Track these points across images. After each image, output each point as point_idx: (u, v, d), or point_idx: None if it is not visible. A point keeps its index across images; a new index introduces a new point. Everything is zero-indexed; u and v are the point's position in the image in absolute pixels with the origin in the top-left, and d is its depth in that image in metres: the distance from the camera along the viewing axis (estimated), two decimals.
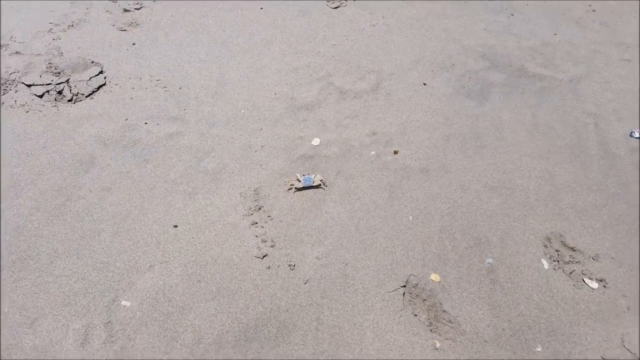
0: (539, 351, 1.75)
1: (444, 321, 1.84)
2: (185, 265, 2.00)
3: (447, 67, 3.05)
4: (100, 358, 1.72)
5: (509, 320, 1.82)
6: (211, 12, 3.56)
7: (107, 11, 3.56)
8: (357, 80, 2.95)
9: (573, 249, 2.05)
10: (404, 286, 1.95)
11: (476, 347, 1.76)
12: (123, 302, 1.90)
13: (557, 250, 2.05)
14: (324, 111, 2.74)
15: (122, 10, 3.57)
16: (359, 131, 2.61)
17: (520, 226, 2.15)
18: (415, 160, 2.46)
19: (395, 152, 2.50)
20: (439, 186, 2.32)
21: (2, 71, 3.00)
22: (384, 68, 3.04)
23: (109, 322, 1.82)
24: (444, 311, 1.86)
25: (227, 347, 1.76)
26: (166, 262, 2.01)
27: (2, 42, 3.25)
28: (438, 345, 1.77)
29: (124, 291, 1.92)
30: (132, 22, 3.46)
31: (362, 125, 2.65)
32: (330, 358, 1.72)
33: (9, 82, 2.96)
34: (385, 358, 1.72)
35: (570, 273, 1.96)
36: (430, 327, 1.82)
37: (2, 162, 2.44)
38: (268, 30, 3.37)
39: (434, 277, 1.99)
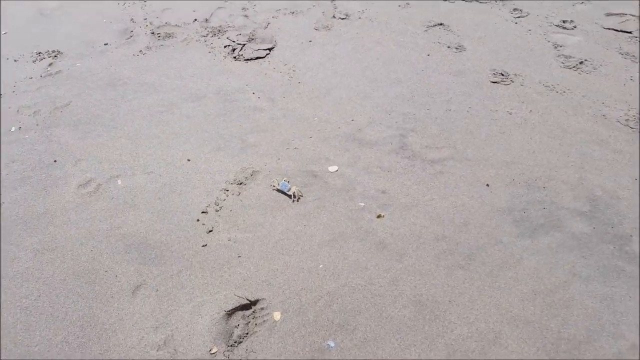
0: None
1: (242, 349, 2.04)
2: (164, 185, 2.84)
3: (533, 186, 2.73)
4: (75, 208, 2.77)
5: None
6: (387, 42, 4.18)
7: (323, 13, 4.70)
8: (427, 147, 3.04)
9: None
10: (253, 303, 2.21)
11: None
12: (119, 181, 2.91)
13: None
14: (369, 153, 3.02)
15: (332, 16, 4.63)
16: (375, 184, 2.79)
17: (400, 344, 1.99)
18: (386, 233, 2.50)
19: (379, 216, 2.59)
20: (375, 265, 2.34)
21: (225, 23, 4.55)
22: (467, 151, 2.99)
23: (101, 185, 2.85)
24: (253, 333, 2.07)
25: (122, 243, 2.50)
26: (160, 175, 2.90)
27: (247, 6, 4.86)
28: (214, 350, 2.02)
29: (127, 176, 2.91)
30: (327, 26, 4.47)
31: (384, 181, 2.81)
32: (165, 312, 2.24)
33: (223, 30, 4.47)
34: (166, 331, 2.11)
35: None
36: (232, 343, 2.06)
37: (164, 71, 3.89)
38: (410, 74, 3.74)
39: (276, 315, 2.15)
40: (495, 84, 3.55)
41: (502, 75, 3.59)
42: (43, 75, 3.85)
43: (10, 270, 2.36)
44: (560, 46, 3.90)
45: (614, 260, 2.32)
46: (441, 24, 4.33)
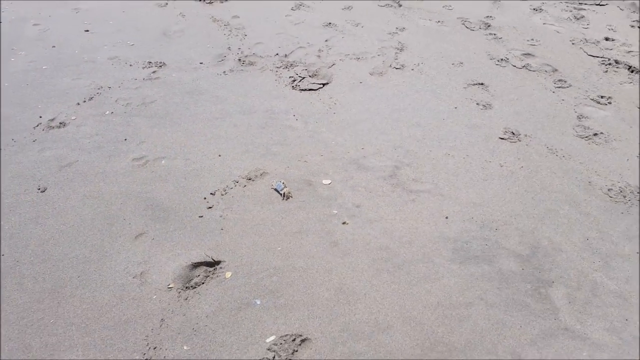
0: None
1: (192, 291, 2.73)
2: (193, 170, 3.70)
3: (487, 226, 3.09)
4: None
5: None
6: (425, 92, 4.74)
7: (383, 61, 5.43)
8: (413, 180, 3.54)
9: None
10: (216, 262, 2.90)
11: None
12: (163, 161, 3.86)
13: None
14: (362, 175, 3.60)
15: (389, 65, 5.33)
16: (354, 199, 3.37)
17: (308, 314, 2.54)
18: (342, 236, 3.06)
19: (344, 223, 3.16)
20: (321, 257, 2.91)
21: (299, 59, 5.51)
22: (444, 188, 3.43)
23: (149, 161, 3.83)
24: (206, 283, 2.76)
25: (144, 203, 3.39)
26: (193, 162, 3.79)
27: (323, 49, 5.79)
28: (172, 285, 2.74)
29: (170, 158, 3.86)
30: (381, 73, 5.18)
31: (362, 198, 3.37)
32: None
33: (295, 65, 5.40)
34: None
35: None
36: (188, 286, 2.77)
37: (233, 90, 4.89)
38: (430, 121, 4.26)
39: (228, 274, 2.82)
40: (503, 140, 3.92)
41: (513, 134, 3.95)
42: (145, 79, 5.09)
43: (62, 205, 3.35)
44: (585, 117, 4.13)
45: (524, 297, 2.61)
46: (482, 84, 4.79)
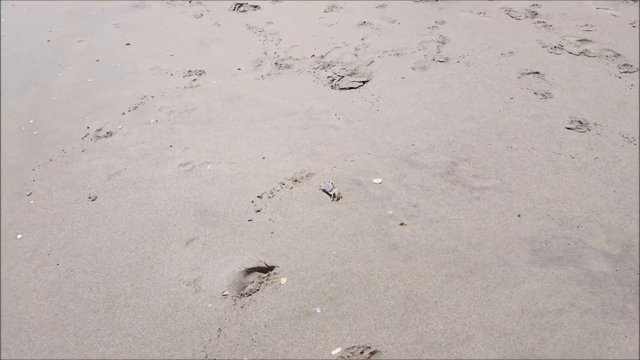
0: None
1: (247, 298, 2.48)
2: (238, 173, 3.50)
3: (567, 224, 2.70)
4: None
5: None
6: (475, 84, 4.39)
7: (425, 55, 5.11)
8: (474, 176, 3.19)
9: None
10: (269, 268, 2.65)
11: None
12: (209, 166, 3.66)
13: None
14: (416, 173, 3.29)
15: (432, 59, 5.00)
16: (409, 198, 3.06)
17: (375, 324, 2.23)
18: (402, 238, 2.76)
19: (402, 224, 2.85)
20: (381, 261, 2.61)
21: (336, 59, 5.25)
22: (511, 184, 3.07)
23: (195, 166, 3.64)
24: (262, 290, 2.51)
25: (193, 208, 3.19)
26: (238, 166, 3.58)
27: (360, 47, 5.52)
28: (227, 293, 2.49)
29: (215, 163, 3.66)
30: (424, 67, 4.85)
31: (419, 197, 3.06)
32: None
33: (332, 65, 5.16)
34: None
35: None
36: (243, 293, 2.52)
37: (272, 93, 4.68)
38: (485, 113, 3.90)
39: (283, 280, 2.56)
40: (570, 130, 3.52)
41: (580, 123, 3.54)
42: (186, 87, 4.95)
43: (113, 213, 3.20)
44: None
45: (623, 302, 2.22)
46: (537, 73, 4.39)
